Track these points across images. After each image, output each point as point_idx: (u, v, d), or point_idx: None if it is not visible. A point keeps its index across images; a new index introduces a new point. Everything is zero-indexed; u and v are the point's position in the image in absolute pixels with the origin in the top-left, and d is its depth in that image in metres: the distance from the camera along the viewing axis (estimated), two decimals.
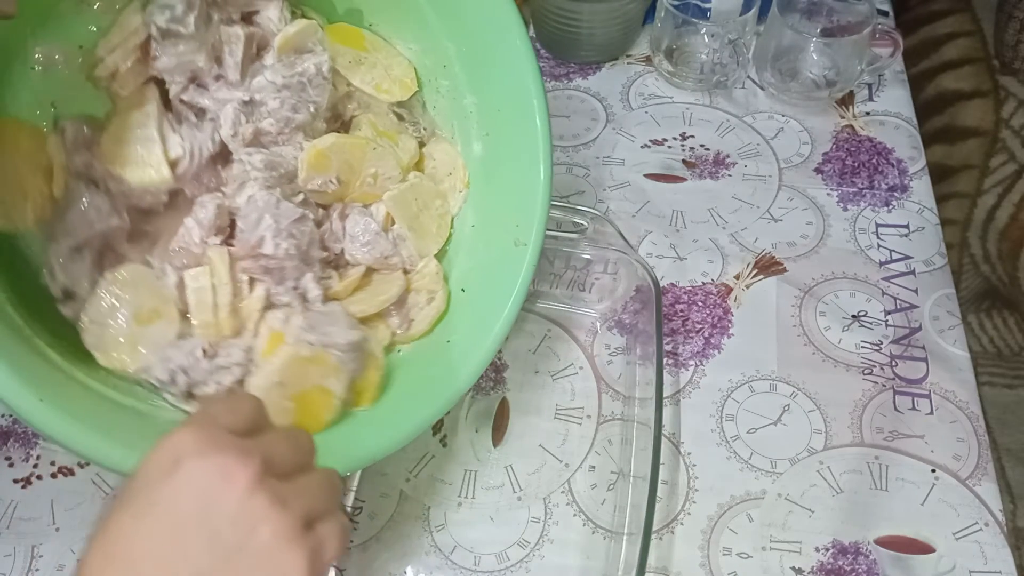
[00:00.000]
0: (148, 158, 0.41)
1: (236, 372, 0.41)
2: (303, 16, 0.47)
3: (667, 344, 0.57)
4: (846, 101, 0.72)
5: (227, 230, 0.44)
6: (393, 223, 0.47)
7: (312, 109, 0.45)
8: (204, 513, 0.27)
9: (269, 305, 0.43)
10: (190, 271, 0.41)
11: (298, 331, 0.41)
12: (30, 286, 0.39)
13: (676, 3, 0.70)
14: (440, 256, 0.49)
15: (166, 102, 0.43)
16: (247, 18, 0.44)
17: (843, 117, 0.71)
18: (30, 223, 0.39)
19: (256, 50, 0.44)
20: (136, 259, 0.42)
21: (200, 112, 0.44)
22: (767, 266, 0.61)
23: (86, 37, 0.40)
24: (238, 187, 0.43)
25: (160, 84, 0.43)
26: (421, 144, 0.50)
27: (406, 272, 0.48)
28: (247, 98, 0.43)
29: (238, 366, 0.41)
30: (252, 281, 0.43)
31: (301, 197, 0.45)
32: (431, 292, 0.48)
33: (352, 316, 0.44)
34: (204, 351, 0.41)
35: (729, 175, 0.67)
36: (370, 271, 0.48)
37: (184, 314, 0.42)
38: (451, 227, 0.50)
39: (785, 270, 0.61)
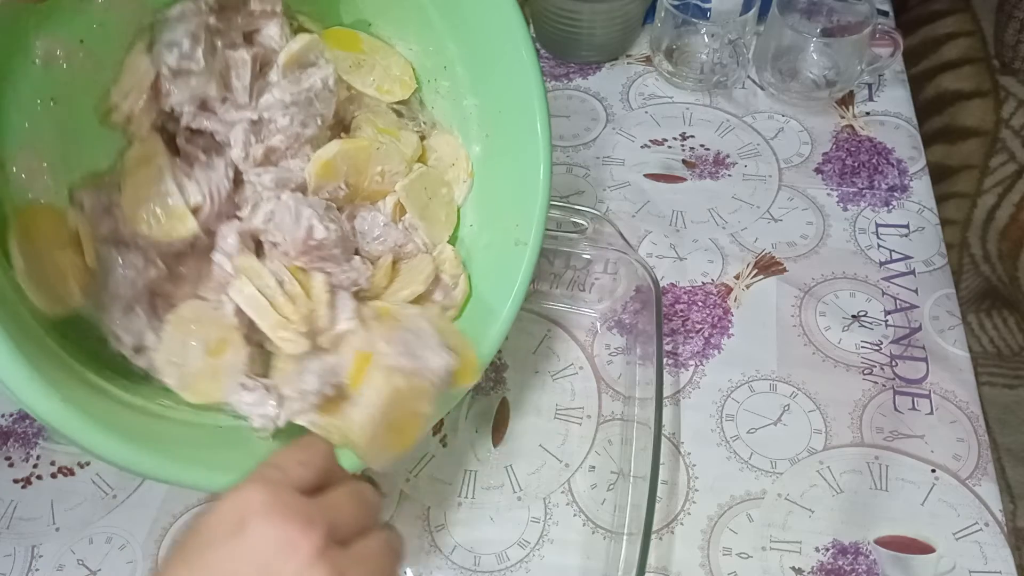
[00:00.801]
0: (171, 212, 0.41)
1: (313, 400, 0.40)
2: (300, 27, 0.47)
3: (667, 344, 0.57)
4: (846, 101, 0.72)
5: (254, 249, 0.44)
6: (403, 215, 0.48)
7: (319, 122, 0.45)
8: None
9: (333, 289, 0.43)
10: (231, 287, 0.41)
11: (391, 355, 0.40)
12: None
13: (676, 3, 0.70)
14: (452, 242, 0.50)
15: (170, 146, 0.44)
16: (248, 37, 0.44)
17: (843, 117, 0.71)
18: (79, 299, 0.40)
19: (259, 67, 0.44)
20: (188, 297, 0.43)
21: (208, 148, 0.44)
22: (767, 266, 0.61)
23: (88, 33, 0.40)
24: (252, 208, 0.44)
25: (163, 130, 0.43)
26: (422, 138, 0.51)
27: None
28: (255, 117, 0.43)
29: (314, 394, 0.40)
30: (306, 274, 0.43)
31: None
32: (454, 276, 0.48)
33: (439, 332, 0.43)
34: (243, 385, 0.40)
35: (729, 175, 0.67)
36: (395, 262, 0.48)
37: (250, 339, 0.42)
38: (458, 215, 0.50)
39: (785, 270, 0.61)
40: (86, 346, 0.40)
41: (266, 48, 0.44)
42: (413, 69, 0.50)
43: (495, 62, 0.46)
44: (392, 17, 0.48)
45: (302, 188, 0.44)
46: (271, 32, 0.44)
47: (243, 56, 0.43)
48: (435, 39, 0.48)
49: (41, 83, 0.38)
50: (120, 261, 0.40)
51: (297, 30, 0.47)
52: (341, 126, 0.49)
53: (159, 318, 0.41)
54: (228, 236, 0.43)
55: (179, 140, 0.43)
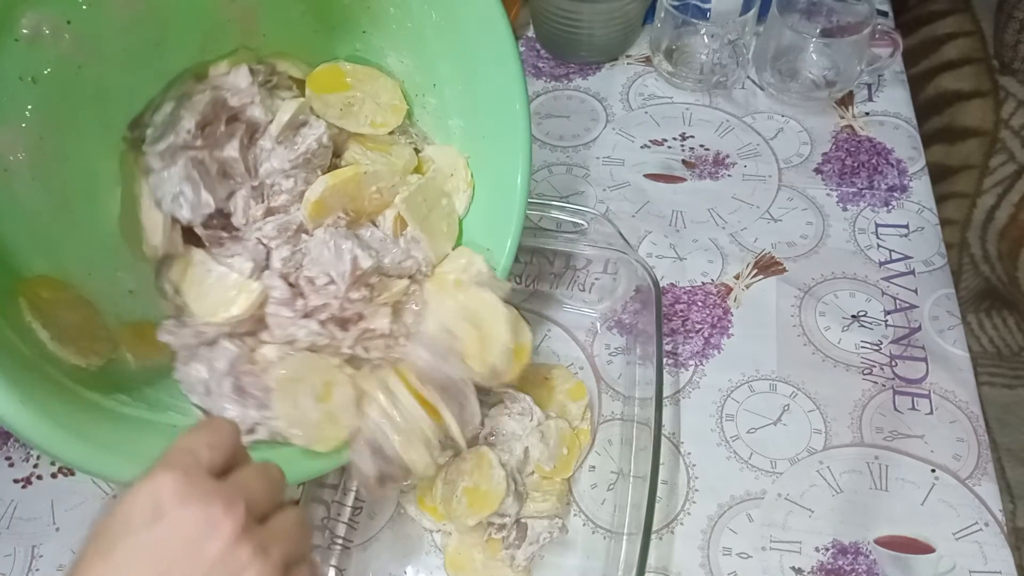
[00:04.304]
0: (239, 287, 0.42)
1: None
2: (286, 76, 0.47)
3: (667, 344, 0.57)
4: (846, 101, 0.72)
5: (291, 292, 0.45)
6: (404, 228, 0.47)
7: (319, 172, 0.46)
8: (189, 565, 0.27)
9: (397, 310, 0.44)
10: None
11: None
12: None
13: (676, 3, 0.70)
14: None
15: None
16: (232, 118, 0.45)
17: (843, 117, 0.71)
18: (107, 349, 0.41)
19: (250, 136, 0.45)
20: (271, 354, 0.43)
21: (226, 226, 0.45)
22: (767, 266, 0.61)
23: (74, 13, 0.39)
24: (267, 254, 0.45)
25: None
26: (416, 150, 0.50)
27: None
28: (255, 183, 0.44)
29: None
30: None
31: None
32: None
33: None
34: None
35: (729, 175, 0.67)
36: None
37: (348, 361, 0.44)
38: (460, 226, 0.50)
39: (785, 270, 0.61)
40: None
41: (251, 120, 0.45)
42: (402, 87, 0.50)
43: (485, 89, 0.46)
44: (388, 30, 0.48)
45: (302, 230, 0.45)
46: (253, 112, 0.45)
47: (231, 154, 0.44)
48: (428, 57, 0.47)
49: (23, 60, 0.38)
50: (204, 369, 0.41)
51: (277, 84, 0.47)
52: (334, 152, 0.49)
53: (250, 395, 0.42)
54: (277, 284, 0.43)
55: (198, 231, 0.44)
